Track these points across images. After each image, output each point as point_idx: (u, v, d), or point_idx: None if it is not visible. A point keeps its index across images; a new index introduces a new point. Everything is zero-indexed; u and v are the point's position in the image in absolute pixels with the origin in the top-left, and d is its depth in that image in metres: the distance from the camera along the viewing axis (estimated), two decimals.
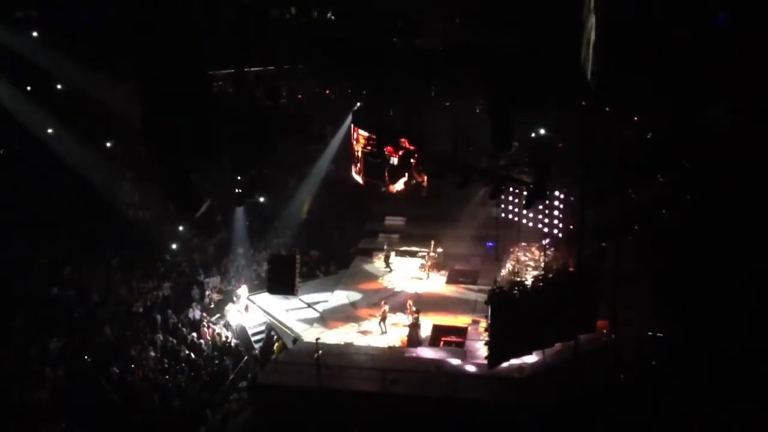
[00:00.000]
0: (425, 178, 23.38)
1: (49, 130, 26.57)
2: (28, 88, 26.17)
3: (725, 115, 18.22)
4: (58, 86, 27.56)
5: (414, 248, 29.94)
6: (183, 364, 22.96)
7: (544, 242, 27.28)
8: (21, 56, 24.68)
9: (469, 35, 15.90)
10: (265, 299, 26.20)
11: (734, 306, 18.48)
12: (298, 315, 25.31)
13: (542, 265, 25.70)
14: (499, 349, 19.08)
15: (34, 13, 24.82)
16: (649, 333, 20.56)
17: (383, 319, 23.28)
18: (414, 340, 22.43)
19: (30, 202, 25.64)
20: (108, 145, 29.10)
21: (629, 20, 16.30)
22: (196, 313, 25.77)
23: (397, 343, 22.64)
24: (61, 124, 27.10)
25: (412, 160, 22.14)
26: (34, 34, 25.23)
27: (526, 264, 27.01)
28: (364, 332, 23.49)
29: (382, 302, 24.00)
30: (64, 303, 23.79)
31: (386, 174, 23.25)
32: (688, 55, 16.80)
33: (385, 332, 23.15)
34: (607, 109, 20.06)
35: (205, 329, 25.23)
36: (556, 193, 26.10)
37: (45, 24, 24.68)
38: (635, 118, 20.63)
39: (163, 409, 20.78)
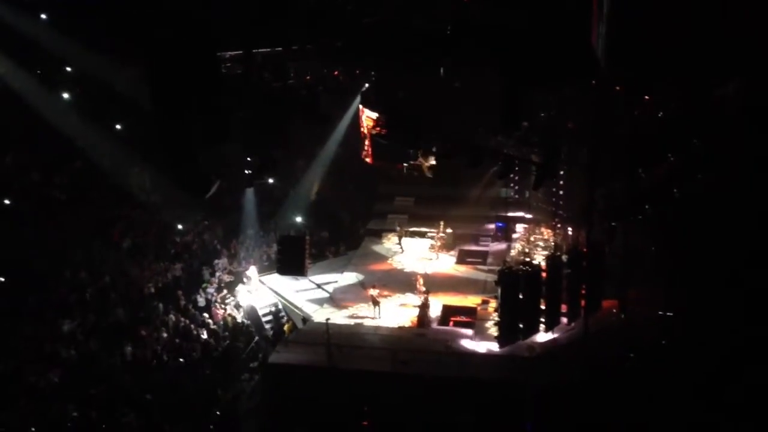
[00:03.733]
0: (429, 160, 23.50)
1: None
2: (38, 71, 26.16)
3: (738, 93, 18.06)
4: (68, 69, 27.55)
5: (423, 229, 29.95)
6: (195, 344, 23.13)
7: (553, 222, 27.25)
8: (30, 39, 24.67)
9: (479, 14, 15.74)
10: (275, 280, 26.34)
11: (745, 286, 18.43)
12: (308, 296, 25.46)
13: (552, 245, 25.71)
14: (508, 328, 19.16)
15: None
16: (659, 312, 20.56)
17: (375, 303, 23.15)
18: (424, 320, 22.51)
19: (40, 185, 25.75)
20: (118, 127, 29.10)
21: None
22: (207, 293, 25.94)
23: (407, 324, 22.72)
24: (70, 106, 27.12)
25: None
26: (43, 16, 25.19)
27: (536, 244, 27.04)
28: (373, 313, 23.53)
29: (373, 286, 23.82)
30: (77, 285, 23.95)
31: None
32: (701, 32, 16.63)
33: (378, 317, 22.98)
34: (618, 88, 19.91)
35: (216, 310, 25.39)
36: (565, 172, 25.99)
37: (53, 6, 24.63)
38: (646, 97, 20.48)
39: (175, 389, 20.96)
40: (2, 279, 22.85)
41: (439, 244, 28.53)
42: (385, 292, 24.49)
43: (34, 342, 20.87)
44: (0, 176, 25.40)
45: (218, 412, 21.00)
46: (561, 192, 26.84)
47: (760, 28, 16.91)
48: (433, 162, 24.80)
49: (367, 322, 22.90)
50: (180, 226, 28.71)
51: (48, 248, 24.33)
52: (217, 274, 27.27)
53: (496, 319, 19.69)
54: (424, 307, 22.67)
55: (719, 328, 18.44)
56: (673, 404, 17.79)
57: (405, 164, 26.11)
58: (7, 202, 24.53)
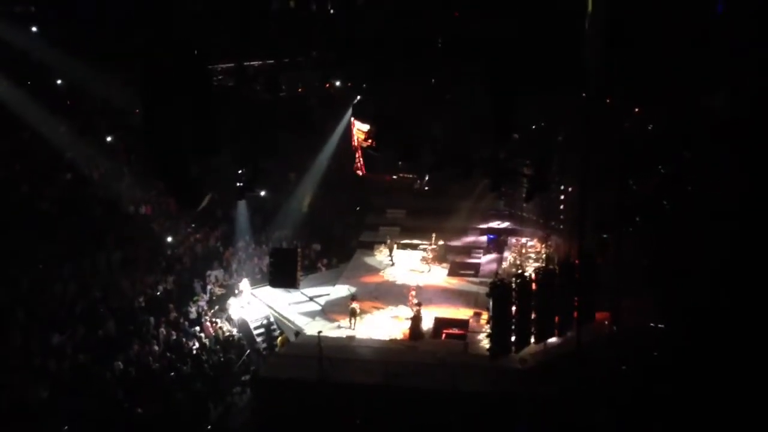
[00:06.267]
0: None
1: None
2: (28, 83, 26.11)
3: (726, 103, 18.19)
4: (58, 81, 27.52)
5: (415, 241, 29.94)
6: (186, 358, 22.99)
7: (545, 234, 27.31)
8: (21, 51, 24.64)
9: (469, 26, 15.85)
10: (267, 293, 26.23)
11: (736, 297, 18.48)
12: (300, 308, 25.36)
13: (543, 256, 25.74)
14: (500, 341, 19.11)
15: (32, 8, 24.75)
16: (651, 324, 20.58)
17: (353, 315, 23.11)
18: (416, 332, 22.46)
19: (30, 197, 25.62)
20: (108, 139, 29.05)
21: (629, 10, 16.27)
22: (198, 306, 25.81)
23: (399, 336, 22.66)
24: (60, 118, 27.07)
25: None
26: (33, 29, 25.17)
27: (528, 256, 27.06)
28: (365, 325, 23.46)
29: (352, 299, 23.80)
30: (66, 298, 23.78)
31: None
32: (689, 44, 16.78)
33: (353, 329, 22.94)
34: (608, 100, 20.03)
35: (208, 323, 25.27)
36: (557, 185, 26.08)
37: (44, 19, 24.62)
38: (636, 109, 20.61)
39: (166, 403, 20.81)
40: None
41: (431, 256, 28.51)
42: (368, 305, 24.47)
43: (23, 355, 20.70)
44: None
45: (209, 427, 20.84)
46: (552, 204, 26.91)
47: (745, 40, 17.08)
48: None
49: (351, 334, 22.78)
50: (170, 239, 28.61)
51: (37, 261, 24.20)
52: (209, 287, 27.16)
53: (488, 331, 19.66)
54: (416, 319, 22.62)
55: (711, 339, 18.46)
56: (665, 415, 17.78)
57: (394, 176, 26.26)
58: None
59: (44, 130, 26.28)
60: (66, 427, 18.79)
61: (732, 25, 17.10)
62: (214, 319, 25.61)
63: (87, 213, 26.55)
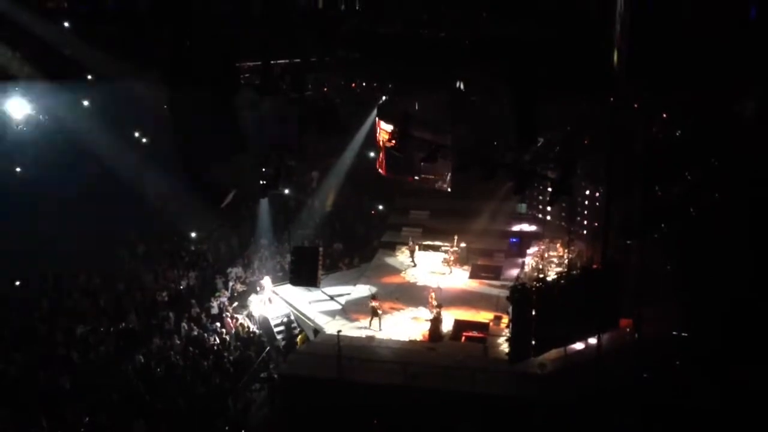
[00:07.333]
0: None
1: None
2: (58, 78, 26.44)
3: (756, 109, 17.92)
4: (89, 77, 27.86)
5: (437, 243, 29.88)
6: (207, 354, 23.15)
7: (568, 239, 27.10)
8: (53, 47, 24.97)
9: (496, 28, 15.79)
10: (288, 291, 26.33)
11: (762, 307, 18.22)
12: (321, 307, 25.39)
13: (566, 261, 25.54)
14: (520, 345, 18.99)
15: (65, 4, 25.05)
16: (674, 332, 20.34)
17: (374, 315, 23.10)
18: (435, 334, 22.42)
19: (57, 190, 25.99)
20: (136, 135, 29.38)
21: (658, 14, 16.09)
22: (220, 302, 25.99)
23: (419, 337, 22.63)
24: (89, 113, 27.41)
25: None
26: (66, 24, 25.49)
27: (550, 260, 26.87)
28: (385, 326, 23.45)
29: (373, 298, 23.80)
30: (91, 291, 24.09)
31: None
32: (718, 49, 16.54)
33: (379, 329, 22.94)
34: (635, 105, 19.82)
35: (228, 319, 25.44)
36: (581, 189, 25.87)
37: (75, 14, 24.91)
38: (663, 115, 20.38)
39: (186, 398, 20.98)
40: (18, 282, 23.09)
41: (452, 258, 28.42)
42: (388, 305, 24.44)
43: (47, 346, 21.00)
44: (18, 182, 25.69)
45: (228, 423, 20.96)
46: (576, 208, 26.69)
47: None
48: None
49: (370, 334, 22.77)
50: (194, 235, 28.85)
51: (63, 254, 24.56)
52: (231, 283, 27.34)
53: (508, 335, 19.55)
54: (436, 321, 22.57)
55: (735, 349, 18.22)
56: (686, 426, 17.57)
57: (416, 177, 26.23)
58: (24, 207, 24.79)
59: (73, 124, 26.64)
60: (87, 419, 19.01)
61: (764, 30, 16.83)
62: (235, 315, 25.77)
63: (112, 207, 26.89)
